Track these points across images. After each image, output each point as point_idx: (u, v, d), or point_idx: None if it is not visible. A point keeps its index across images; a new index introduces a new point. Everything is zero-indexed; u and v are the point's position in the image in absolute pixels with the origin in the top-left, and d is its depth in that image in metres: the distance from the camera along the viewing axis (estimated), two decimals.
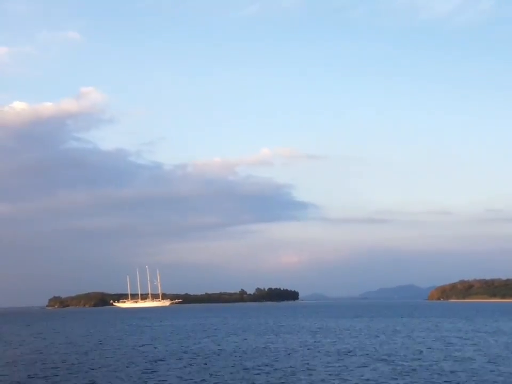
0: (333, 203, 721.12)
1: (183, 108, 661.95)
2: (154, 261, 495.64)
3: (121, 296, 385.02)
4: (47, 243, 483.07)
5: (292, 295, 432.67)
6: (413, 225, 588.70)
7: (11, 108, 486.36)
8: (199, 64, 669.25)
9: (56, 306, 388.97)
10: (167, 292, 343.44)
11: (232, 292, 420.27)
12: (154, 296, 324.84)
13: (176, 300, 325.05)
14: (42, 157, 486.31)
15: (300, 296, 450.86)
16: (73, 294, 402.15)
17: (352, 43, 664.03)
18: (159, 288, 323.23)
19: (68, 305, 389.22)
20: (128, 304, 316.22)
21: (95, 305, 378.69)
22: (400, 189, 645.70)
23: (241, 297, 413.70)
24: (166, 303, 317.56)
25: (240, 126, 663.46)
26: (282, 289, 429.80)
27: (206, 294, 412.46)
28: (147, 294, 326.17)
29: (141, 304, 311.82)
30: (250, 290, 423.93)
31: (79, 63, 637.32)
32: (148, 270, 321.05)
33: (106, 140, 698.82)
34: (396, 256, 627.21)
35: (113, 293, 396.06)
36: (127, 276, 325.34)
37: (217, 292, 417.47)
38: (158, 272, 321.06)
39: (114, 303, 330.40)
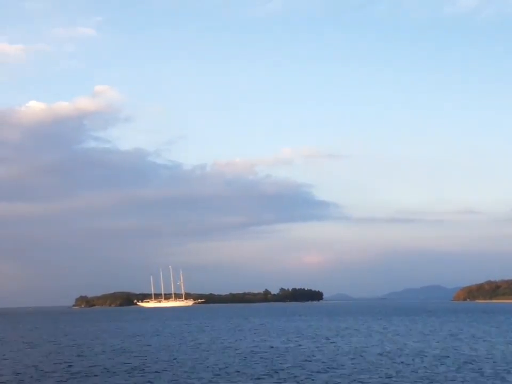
0: (356, 203, 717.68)
1: (202, 107, 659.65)
2: (178, 261, 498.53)
3: (146, 296, 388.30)
4: (73, 243, 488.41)
5: (316, 296, 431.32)
6: (438, 225, 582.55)
7: (28, 108, 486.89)
8: (218, 62, 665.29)
9: (82, 306, 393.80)
10: (191, 292, 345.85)
11: (256, 292, 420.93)
12: (178, 296, 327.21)
13: (199, 300, 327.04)
14: (61, 157, 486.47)
15: (324, 296, 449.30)
16: (99, 294, 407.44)
17: (375, 38, 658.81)
18: (182, 288, 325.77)
19: (93, 305, 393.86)
20: (151, 303, 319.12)
21: (120, 305, 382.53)
22: (425, 188, 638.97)
23: (265, 297, 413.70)
24: (189, 303, 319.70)
25: (260, 125, 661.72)
26: (306, 289, 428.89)
27: (230, 294, 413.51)
28: (170, 294, 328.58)
29: (164, 303, 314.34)
30: (274, 291, 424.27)
31: (94, 60, 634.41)
32: (171, 270, 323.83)
33: (125, 139, 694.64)
34: (421, 256, 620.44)
35: (138, 293, 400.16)
36: (151, 276, 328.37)
37: (241, 292, 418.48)
38: (181, 272, 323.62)
39: (138, 303, 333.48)
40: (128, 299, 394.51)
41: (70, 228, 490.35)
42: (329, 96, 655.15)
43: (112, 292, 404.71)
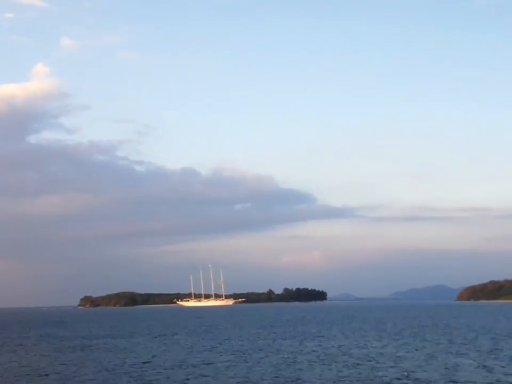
0: (357, 201, 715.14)
1: (167, 96, 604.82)
2: (178, 261, 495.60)
3: (151, 296, 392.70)
4: (72, 245, 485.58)
5: (320, 295, 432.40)
6: (444, 223, 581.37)
7: None
8: (184, 41, 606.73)
9: (87, 306, 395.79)
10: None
11: (260, 291, 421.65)
12: (196, 296, 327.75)
13: (240, 299, 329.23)
14: (22, 148, 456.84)
15: (328, 296, 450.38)
16: (103, 294, 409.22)
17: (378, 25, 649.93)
18: (222, 287, 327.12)
19: (98, 305, 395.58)
20: (191, 303, 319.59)
21: (125, 305, 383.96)
22: (430, 184, 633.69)
23: (269, 297, 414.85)
24: (230, 302, 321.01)
25: (237, 117, 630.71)
26: (310, 289, 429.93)
27: (233, 294, 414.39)
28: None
29: (205, 303, 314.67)
30: (278, 290, 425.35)
31: (39, 34, 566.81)
32: (211, 270, 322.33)
33: (86, 129, 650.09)
34: (427, 255, 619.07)
35: (143, 293, 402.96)
36: (190, 275, 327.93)
37: (245, 292, 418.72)
38: (221, 271, 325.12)
39: (178, 302, 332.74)
40: (132, 299, 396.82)
41: (69, 229, 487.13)
42: (325, 90, 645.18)
43: (116, 292, 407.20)
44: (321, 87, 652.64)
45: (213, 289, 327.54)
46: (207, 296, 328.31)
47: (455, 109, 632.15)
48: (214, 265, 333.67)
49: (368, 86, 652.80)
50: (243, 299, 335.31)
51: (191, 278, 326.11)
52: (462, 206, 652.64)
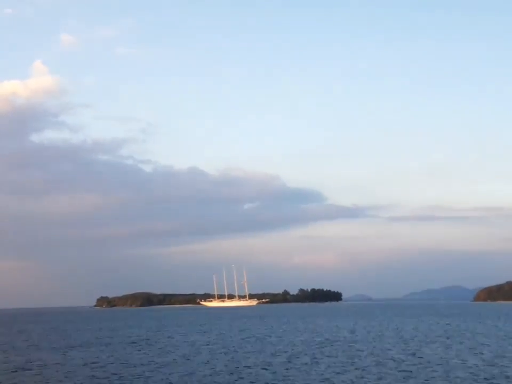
0: (374, 202, 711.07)
1: (172, 94, 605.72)
2: (190, 260, 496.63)
3: (166, 297, 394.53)
4: (96, 244, 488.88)
5: (335, 296, 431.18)
6: (458, 223, 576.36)
7: None
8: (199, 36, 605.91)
9: (103, 306, 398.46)
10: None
11: (275, 292, 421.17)
12: (230, 296, 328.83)
13: (264, 300, 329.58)
14: (28, 147, 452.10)
15: (343, 297, 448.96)
16: (119, 294, 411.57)
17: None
18: (246, 287, 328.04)
19: (115, 305, 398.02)
20: (215, 303, 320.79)
21: (141, 305, 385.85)
22: (443, 183, 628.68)
23: (284, 297, 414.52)
24: (253, 302, 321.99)
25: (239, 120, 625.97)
26: (325, 290, 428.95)
27: (249, 294, 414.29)
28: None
29: (228, 303, 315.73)
30: (293, 291, 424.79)
31: (36, 30, 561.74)
32: (234, 270, 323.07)
33: (89, 127, 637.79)
34: (443, 255, 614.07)
35: (158, 293, 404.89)
36: (213, 275, 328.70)
37: (260, 292, 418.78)
38: (244, 271, 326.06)
39: (201, 302, 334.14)
40: (148, 299, 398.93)
41: (81, 229, 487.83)
42: (333, 89, 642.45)
43: (132, 292, 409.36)
44: (329, 86, 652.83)
45: (236, 289, 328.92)
46: (230, 297, 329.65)
47: (469, 106, 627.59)
48: (234, 265, 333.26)
49: (378, 84, 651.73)
50: (267, 299, 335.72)
51: (214, 278, 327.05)
52: (476, 205, 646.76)
